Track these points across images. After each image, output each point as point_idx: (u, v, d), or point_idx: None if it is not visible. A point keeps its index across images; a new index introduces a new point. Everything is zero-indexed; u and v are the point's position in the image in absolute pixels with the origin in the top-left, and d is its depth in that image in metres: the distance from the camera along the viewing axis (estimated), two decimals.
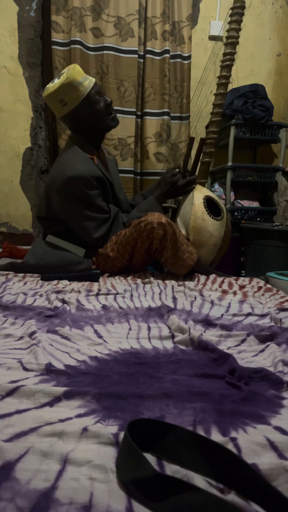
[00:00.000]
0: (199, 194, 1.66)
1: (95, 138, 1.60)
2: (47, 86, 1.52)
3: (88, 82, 1.49)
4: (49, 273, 1.45)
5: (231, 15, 1.82)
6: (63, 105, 1.49)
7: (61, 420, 0.47)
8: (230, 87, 2.57)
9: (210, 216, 1.61)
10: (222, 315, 1.01)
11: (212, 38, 2.64)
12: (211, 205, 1.66)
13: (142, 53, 2.40)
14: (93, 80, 1.52)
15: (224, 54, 1.83)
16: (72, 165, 1.46)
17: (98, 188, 1.52)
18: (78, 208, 1.49)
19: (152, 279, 1.43)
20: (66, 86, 1.46)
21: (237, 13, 1.78)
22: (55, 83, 1.48)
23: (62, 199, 1.48)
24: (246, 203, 2.51)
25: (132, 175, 2.44)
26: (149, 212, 1.50)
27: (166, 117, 2.43)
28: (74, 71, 1.46)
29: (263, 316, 1.00)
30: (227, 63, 1.82)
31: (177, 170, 1.67)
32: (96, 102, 1.51)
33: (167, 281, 1.43)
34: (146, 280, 1.41)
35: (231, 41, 1.80)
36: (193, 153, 1.86)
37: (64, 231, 1.56)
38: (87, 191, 1.47)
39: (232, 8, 1.82)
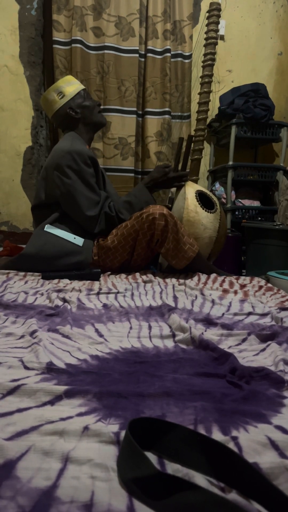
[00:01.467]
0: (191, 188, 1.69)
1: (86, 134, 1.72)
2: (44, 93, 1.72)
3: (80, 85, 1.73)
4: (49, 264, 1.46)
5: (208, 18, 1.94)
6: (60, 97, 1.67)
7: (62, 419, 0.47)
8: (231, 86, 2.58)
9: (203, 209, 1.62)
10: (223, 314, 1.01)
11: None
12: (203, 198, 1.68)
13: (143, 52, 2.40)
14: (83, 86, 1.75)
15: (205, 55, 1.92)
16: (69, 143, 1.58)
17: (92, 168, 1.60)
18: (72, 181, 1.53)
19: (153, 278, 1.43)
20: (64, 81, 1.70)
21: (214, 15, 1.91)
22: (53, 84, 1.70)
23: (59, 172, 1.54)
24: (247, 202, 2.51)
25: (132, 174, 2.44)
26: (138, 197, 1.59)
27: (167, 116, 2.43)
28: (68, 76, 1.74)
29: (264, 315, 1.00)
30: (208, 62, 1.92)
31: (167, 164, 1.76)
32: (88, 98, 1.72)
33: (168, 280, 1.43)
34: (147, 279, 1.41)
35: (211, 41, 1.91)
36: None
37: (61, 220, 1.58)
38: (83, 165, 1.55)
39: (208, 11, 1.93)
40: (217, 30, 1.91)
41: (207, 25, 1.92)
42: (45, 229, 1.55)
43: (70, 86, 1.68)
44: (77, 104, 1.68)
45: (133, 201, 1.61)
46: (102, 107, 2.37)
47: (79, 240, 1.55)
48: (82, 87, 1.72)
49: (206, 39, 1.90)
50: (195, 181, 1.98)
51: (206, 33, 1.92)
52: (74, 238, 1.55)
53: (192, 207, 1.61)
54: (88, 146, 1.72)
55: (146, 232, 1.45)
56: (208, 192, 1.73)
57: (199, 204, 1.63)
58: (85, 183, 1.56)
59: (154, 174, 1.68)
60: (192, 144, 1.90)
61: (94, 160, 1.62)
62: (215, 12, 1.90)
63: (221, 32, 2.61)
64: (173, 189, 1.80)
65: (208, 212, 1.63)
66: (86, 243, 1.55)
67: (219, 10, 1.91)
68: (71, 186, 1.54)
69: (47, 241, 1.52)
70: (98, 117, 1.73)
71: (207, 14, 1.93)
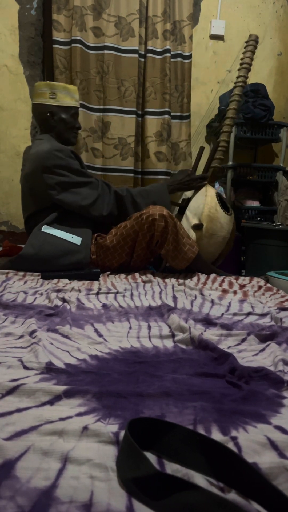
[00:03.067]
0: (211, 189, 1.76)
1: (60, 138, 1.71)
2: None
3: (76, 102, 1.70)
4: (48, 264, 1.46)
5: (245, 47, 2.04)
6: (51, 97, 1.64)
7: (62, 419, 0.47)
8: (230, 86, 2.58)
9: (222, 209, 1.69)
10: (223, 314, 1.01)
11: (213, 37, 2.63)
12: (221, 201, 1.74)
13: (143, 52, 2.40)
14: (79, 107, 1.75)
15: (238, 77, 2.01)
16: (47, 144, 1.58)
17: (76, 160, 1.63)
18: (65, 178, 1.55)
19: (152, 278, 1.43)
20: (64, 88, 1.67)
21: (251, 45, 2.01)
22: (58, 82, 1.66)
23: (50, 174, 1.54)
24: (246, 203, 2.51)
25: (132, 174, 2.43)
26: (156, 193, 1.62)
27: (166, 116, 2.43)
28: (74, 88, 1.70)
29: (263, 315, 1.00)
30: (240, 84, 1.99)
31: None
32: (73, 116, 1.70)
33: (167, 280, 1.43)
34: (147, 279, 1.41)
35: (245, 66, 1.99)
36: (203, 161, 2.00)
37: (58, 220, 1.58)
38: (66, 158, 1.56)
39: (247, 41, 2.04)
40: (252, 59, 2.02)
41: (243, 53, 2.03)
42: (42, 230, 1.55)
43: (68, 96, 1.66)
44: (59, 116, 1.66)
45: (150, 192, 1.64)
46: (102, 107, 2.38)
47: (77, 239, 1.54)
48: (76, 105, 1.69)
49: (241, 63, 2.02)
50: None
51: (242, 59, 2.03)
52: (72, 237, 1.54)
53: (213, 204, 1.67)
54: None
55: (146, 233, 1.45)
56: (224, 197, 1.81)
57: (219, 203, 1.70)
58: (77, 173, 1.58)
59: (177, 176, 1.77)
60: (216, 152, 1.99)
61: (76, 155, 1.65)
62: (253, 42, 2.02)
63: (220, 32, 2.61)
64: (188, 192, 1.85)
65: (226, 213, 1.69)
66: (84, 242, 1.55)
67: (257, 42, 2.03)
68: (66, 183, 1.55)
69: (45, 241, 1.51)
70: (71, 136, 1.72)
71: (245, 44, 2.05)
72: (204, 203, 1.66)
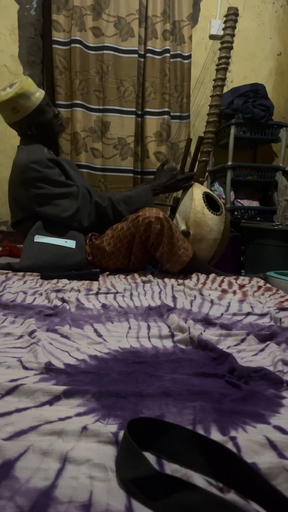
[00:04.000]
0: (198, 190, 1.69)
1: (45, 140, 1.68)
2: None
3: (39, 93, 1.59)
4: (48, 272, 1.45)
5: (225, 22, 1.91)
6: (15, 112, 1.56)
7: (61, 419, 0.47)
8: (230, 86, 2.58)
9: (209, 210, 1.63)
10: (222, 314, 1.01)
11: (213, 37, 2.63)
12: (210, 201, 1.69)
13: (142, 52, 2.40)
14: (43, 92, 1.62)
15: (220, 58, 1.89)
16: (25, 156, 1.55)
17: (56, 168, 1.57)
18: (41, 189, 1.52)
19: (152, 278, 1.43)
20: (20, 96, 1.54)
21: (231, 19, 1.88)
22: (8, 92, 1.53)
23: (26, 187, 1.53)
24: (246, 203, 2.51)
25: (132, 175, 2.43)
26: (140, 197, 1.58)
27: (166, 116, 2.43)
28: (27, 83, 1.56)
29: (262, 315, 1.00)
30: (222, 66, 1.89)
31: (174, 167, 1.75)
32: (46, 112, 1.61)
33: (167, 280, 1.43)
34: (146, 279, 1.41)
35: (226, 45, 1.88)
36: (191, 153, 1.89)
37: (47, 227, 1.56)
38: (45, 170, 1.52)
39: (226, 15, 1.91)
40: (233, 35, 1.89)
41: (223, 29, 1.89)
42: (35, 240, 1.54)
43: (27, 100, 1.55)
44: (34, 121, 1.60)
45: (134, 198, 1.60)
46: (101, 107, 2.38)
47: (71, 243, 1.53)
48: (41, 97, 1.59)
49: (221, 42, 1.89)
50: (201, 183, 1.99)
51: (222, 36, 1.89)
52: (65, 242, 1.53)
53: (199, 208, 1.62)
54: (49, 147, 1.70)
55: (142, 235, 1.45)
56: (214, 195, 1.74)
57: (206, 205, 1.64)
58: (55, 184, 1.54)
59: (162, 178, 1.68)
60: (202, 145, 1.91)
61: (55, 161, 1.59)
62: (232, 16, 1.87)
63: (220, 32, 2.61)
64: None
65: (214, 214, 1.64)
66: (78, 244, 1.54)
67: (237, 15, 1.89)
68: (43, 195, 1.52)
69: (39, 250, 1.51)
70: (56, 129, 1.67)
71: (225, 18, 1.91)
72: (191, 207, 1.62)
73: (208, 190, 1.74)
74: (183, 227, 1.63)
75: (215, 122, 1.97)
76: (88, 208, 1.58)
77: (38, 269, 1.48)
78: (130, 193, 1.64)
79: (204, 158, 1.94)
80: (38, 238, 1.54)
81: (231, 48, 1.89)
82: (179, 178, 1.68)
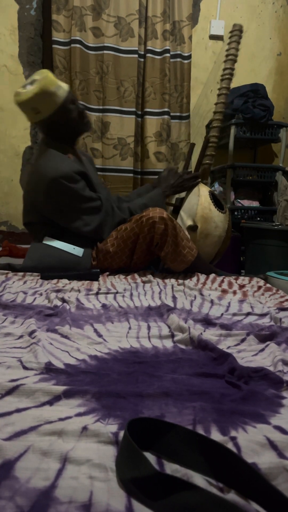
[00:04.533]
0: (204, 188, 1.73)
1: (69, 140, 1.59)
2: (19, 91, 1.44)
3: (62, 91, 1.46)
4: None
5: (230, 37, 1.98)
6: (36, 112, 1.45)
7: (61, 419, 0.47)
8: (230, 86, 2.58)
9: (216, 207, 1.67)
10: (222, 314, 1.01)
11: (213, 37, 2.64)
12: (215, 199, 1.72)
13: (142, 53, 2.40)
14: (66, 88, 1.49)
15: (224, 69, 1.96)
16: (52, 166, 1.45)
17: (82, 181, 1.52)
18: (66, 205, 1.48)
19: (152, 278, 1.43)
20: (39, 95, 1.41)
21: (236, 35, 1.96)
22: (28, 90, 1.41)
23: (49, 200, 1.47)
24: (246, 203, 2.51)
25: (132, 175, 2.44)
26: (155, 202, 1.57)
27: (166, 116, 2.43)
28: (47, 81, 1.42)
29: (262, 315, 1.00)
30: (227, 76, 1.95)
31: (177, 168, 1.77)
32: (70, 111, 1.49)
33: (167, 280, 1.43)
34: (146, 279, 1.41)
35: (231, 58, 1.95)
36: (194, 157, 1.95)
37: (60, 232, 1.54)
38: (72, 186, 1.46)
39: (231, 31, 1.98)
40: (237, 49, 1.97)
41: (228, 44, 1.97)
42: (43, 242, 1.51)
43: (48, 99, 1.43)
44: (57, 121, 1.48)
45: (149, 204, 1.58)
46: (101, 107, 2.38)
47: (79, 251, 1.51)
48: (64, 95, 1.45)
49: (227, 55, 1.97)
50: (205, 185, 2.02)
51: (227, 50, 1.97)
52: (74, 248, 1.51)
53: (206, 204, 1.65)
54: (73, 146, 1.61)
55: (146, 235, 1.45)
56: (218, 195, 1.78)
57: (212, 202, 1.67)
58: (80, 200, 1.49)
59: (170, 180, 1.69)
60: (206, 148, 1.95)
61: (81, 172, 1.52)
62: (237, 32, 1.97)
63: (220, 33, 2.61)
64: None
65: (220, 211, 1.67)
66: (86, 253, 1.52)
67: (241, 31, 1.97)
68: (65, 210, 1.49)
69: (44, 254, 1.49)
70: (81, 128, 1.58)
71: (230, 34, 1.99)
72: (198, 204, 1.64)
73: (212, 190, 1.78)
74: (189, 222, 1.65)
75: (219, 128, 2.00)
76: (109, 221, 1.56)
77: (38, 271, 1.48)
78: (145, 200, 1.62)
79: (207, 161, 1.97)
80: (47, 240, 1.51)
81: (235, 61, 1.96)
82: (186, 178, 1.70)
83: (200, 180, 1.76)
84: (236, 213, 2.47)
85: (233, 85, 2.58)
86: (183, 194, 1.82)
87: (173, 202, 1.85)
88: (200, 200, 1.65)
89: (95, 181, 1.65)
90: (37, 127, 1.57)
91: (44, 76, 1.43)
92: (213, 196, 1.71)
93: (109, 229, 1.56)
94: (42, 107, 1.43)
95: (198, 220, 1.62)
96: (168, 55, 2.40)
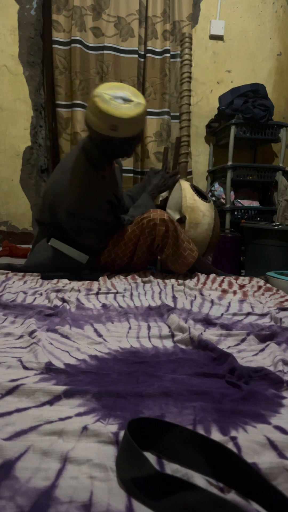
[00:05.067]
0: (185, 182, 1.78)
1: (109, 159, 1.49)
2: (108, 99, 1.28)
3: (144, 120, 1.41)
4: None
5: (181, 45, 2.09)
6: (112, 129, 1.31)
7: (61, 419, 0.47)
8: (230, 86, 2.58)
9: (199, 197, 1.70)
10: (222, 314, 1.01)
11: (213, 37, 2.63)
12: (197, 191, 1.76)
13: (142, 53, 2.40)
14: (144, 117, 1.41)
15: (182, 73, 2.07)
16: (84, 186, 1.41)
17: (109, 208, 1.48)
18: (82, 225, 1.45)
19: (152, 278, 1.43)
20: (131, 120, 1.30)
21: (186, 41, 2.06)
22: (123, 106, 1.29)
23: (71, 217, 1.44)
24: (246, 203, 2.51)
25: (132, 174, 2.44)
26: (147, 207, 1.58)
27: (166, 116, 2.43)
28: (144, 108, 1.33)
29: (263, 315, 1.00)
30: (186, 80, 2.06)
31: (157, 169, 1.81)
32: (138, 138, 1.46)
33: (167, 280, 1.43)
34: (146, 279, 1.41)
35: (186, 63, 2.06)
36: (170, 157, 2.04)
37: (68, 237, 1.51)
38: (95, 209, 1.44)
39: (181, 40, 2.09)
40: (191, 54, 2.07)
41: (180, 51, 2.09)
42: (49, 243, 1.50)
43: (132, 126, 1.33)
44: (120, 147, 1.40)
45: (143, 210, 1.57)
46: None
47: (83, 258, 1.50)
48: (144, 125, 1.41)
49: (181, 61, 2.06)
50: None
51: (181, 56, 2.07)
52: (79, 255, 1.50)
53: (190, 195, 1.69)
54: (110, 164, 1.49)
55: (147, 237, 1.45)
56: (198, 187, 1.82)
57: (195, 193, 1.71)
58: (101, 224, 1.47)
59: (154, 181, 1.72)
60: (180, 147, 2.03)
61: (110, 201, 1.46)
62: (187, 39, 2.07)
63: (220, 33, 2.61)
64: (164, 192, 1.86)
65: (204, 201, 1.71)
66: (90, 260, 1.52)
67: (191, 38, 2.08)
68: (83, 230, 1.46)
69: (49, 255, 1.49)
70: (127, 154, 1.52)
71: (181, 43, 2.10)
72: (181, 196, 1.68)
73: (193, 184, 1.82)
74: (177, 216, 1.68)
75: (188, 127, 2.10)
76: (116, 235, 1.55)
77: (39, 272, 1.48)
78: (140, 209, 1.58)
79: (183, 160, 2.03)
80: (53, 242, 1.50)
81: (191, 65, 2.07)
82: (166, 177, 1.74)
83: (179, 176, 1.81)
84: (236, 213, 2.47)
85: (233, 85, 2.59)
86: (165, 194, 1.87)
87: (158, 203, 1.88)
88: (183, 193, 1.69)
89: (120, 194, 1.60)
90: (91, 134, 1.42)
91: (143, 102, 1.34)
92: (195, 189, 1.75)
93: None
94: (123, 128, 1.31)
95: (185, 211, 1.65)
96: (168, 55, 2.40)
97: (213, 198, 2.51)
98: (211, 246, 1.75)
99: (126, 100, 1.30)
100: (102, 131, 1.33)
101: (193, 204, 1.66)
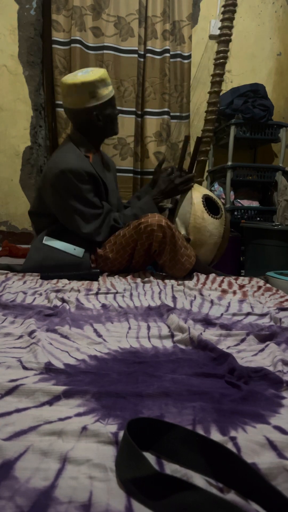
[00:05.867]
0: (198, 193, 1.65)
1: (97, 139, 1.61)
2: (75, 75, 1.49)
3: (112, 88, 1.56)
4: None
5: (223, 13, 1.87)
6: (91, 97, 1.49)
7: (61, 419, 0.47)
8: (230, 86, 2.58)
9: (209, 215, 1.61)
10: (222, 314, 1.01)
11: (213, 37, 2.63)
12: (209, 203, 1.66)
13: (142, 52, 2.40)
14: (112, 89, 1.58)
15: (218, 52, 1.87)
16: (65, 159, 1.48)
17: (91, 184, 1.51)
18: (68, 201, 1.47)
19: (151, 278, 1.43)
20: (101, 81, 1.49)
21: (229, 10, 1.85)
22: (88, 74, 1.47)
23: (54, 192, 1.48)
24: (246, 203, 2.51)
25: (131, 175, 2.44)
26: (145, 211, 1.53)
27: (166, 116, 2.43)
28: (106, 73, 1.52)
29: (262, 315, 1.00)
30: (221, 61, 1.86)
31: (171, 168, 1.70)
32: (114, 106, 1.58)
33: (166, 281, 1.43)
34: (146, 279, 1.41)
35: (224, 38, 1.85)
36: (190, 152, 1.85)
37: (60, 231, 1.54)
38: (78, 184, 1.46)
39: (224, 6, 1.87)
40: (231, 27, 1.85)
41: (221, 20, 1.84)
42: (43, 242, 1.52)
43: (104, 88, 1.51)
44: (104, 113, 1.54)
45: (139, 215, 1.55)
46: None
47: (79, 251, 1.51)
48: (111, 94, 1.55)
49: (219, 35, 1.84)
50: (200, 183, 1.96)
51: (220, 28, 1.84)
52: (74, 249, 1.51)
53: (199, 213, 1.58)
54: (97, 150, 1.62)
55: (144, 242, 1.44)
56: (214, 196, 1.71)
57: (205, 210, 1.60)
58: (82, 202, 1.49)
59: (161, 185, 1.63)
60: (200, 145, 1.87)
61: (92, 175, 1.51)
62: (230, 7, 1.82)
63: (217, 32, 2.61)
64: None
65: (214, 218, 1.61)
66: (86, 254, 1.52)
67: (235, 5, 1.84)
68: (67, 206, 1.48)
69: (46, 256, 1.50)
70: (114, 128, 1.62)
71: (223, 9, 1.85)
72: (190, 213, 1.58)
73: (207, 192, 1.70)
74: (183, 231, 1.61)
75: (213, 120, 1.95)
76: (105, 228, 1.55)
77: (38, 272, 1.48)
78: (135, 210, 1.59)
79: (202, 158, 1.92)
80: (47, 240, 1.51)
81: (230, 41, 1.86)
82: (177, 183, 1.63)
83: (192, 184, 1.68)
84: (236, 213, 2.47)
85: (233, 85, 2.59)
86: (178, 196, 1.77)
87: (169, 205, 1.79)
88: (193, 209, 1.58)
89: (110, 188, 1.63)
90: (77, 115, 1.54)
91: (102, 69, 1.53)
92: (207, 201, 1.64)
93: (103, 235, 1.55)
94: (99, 92, 1.49)
95: (190, 231, 1.57)
96: (168, 55, 2.40)
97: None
98: (214, 262, 1.72)
99: (86, 71, 1.51)
100: (84, 104, 1.49)
101: (200, 224, 1.57)
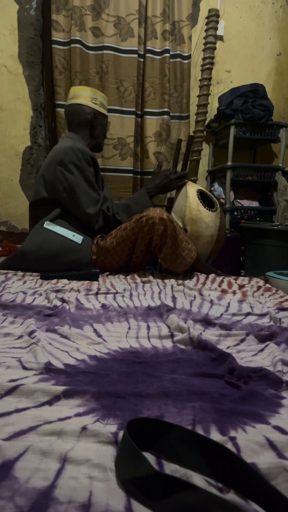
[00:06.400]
0: (192, 188, 1.70)
1: (92, 145, 1.79)
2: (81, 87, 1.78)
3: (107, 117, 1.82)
4: (47, 261, 1.47)
5: (206, 23, 1.98)
6: (96, 103, 1.74)
7: (60, 419, 0.47)
8: (230, 86, 2.58)
9: (205, 207, 1.63)
10: (222, 314, 1.01)
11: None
12: (204, 198, 1.69)
13: (142, 53, 2.40)
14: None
15: (204, 58, 1.93)
16: (72, 142, 1.61)
17: (92, 168, 1.62)
18: (75, 178, 1.55)
19: (151, 278, 1.43)
20: (105, 101, 1.80)
21: (212, 20, 1.97)
22: (99, 91, 1.80)
23: (63, 168, 1.55)
24: (245, 203, 2.51)
25: (131, 175, 2.44)
26: (138, 203, 1.60)
27: (166, 116, 2.43)
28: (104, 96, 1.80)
29: (262, 315, 1.00)
30: (207, 66, 1.94)
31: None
32: (106, 128, 1.83)
33: (166, 281, 1.43)
34: (146, 279, 1.41)
35: (209, 46, 1.91)
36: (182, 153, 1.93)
37: (61, 217, 1.58)
38: (85, 163, 1.57)
39: (207, 17, 1.98)
40: (215, 36, 1.95)
41: (206, 30, 1.93)
42: (44, 226, 1.55)
43: (104, 106, 1.79)
44: (99, 121, 1.75)
45: (131, 205, 1.62)
46: None
47: (78, 238, 1.54)
48: (106, 113, 1.81)
49: (205, 43, 1.93)
50: (194, 182, 1.98)
51: (205, 38, 1.94)
52: (73, 235, 1.54)
53: (194, 205, 1.62)
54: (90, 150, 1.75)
55: (145, 235, 1.45)
56: (208, 192, 1.74)
57: (201, 202, 1.64)
58: (87, 181, 1.57)
59: (156, 180, 1.69)
60: (192, 144, 1.91)
61: (95, 161, 1.65)
62: (213, 18, 1.95)
63: (220, 33, 2.61)
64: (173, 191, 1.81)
65: (209, 210, 1.64)
66: (85, 241, 1.55)
67: (218, 16, 1.96)
68: (73, 182, 1.54)
69: (45, 238, 1.52)
70: (101, 141, 1.83)
71: (206, 20, 1.95)
72: (186, 205, 1.62)
73: (201, 188, 1.74)
74: (180, 225, 1.62)
75: (204, 121, 2.00)
76: (101, 217, 1.61)
77: (38, 258, 1.49)
78: (128, 201, 1.66)
79: (195, 157, 1.95)
80: (48, 225, 1.56)
81: (214, 48, 1.95)
82: (172, 178, 1.68)
83: (187, 180, 1.73)
84: (235, 213, 2.47)
85: (233, 85, 2.59)
86: (174, 194, 1.81)
87: (165, 203, 1.83)
88: (188, 202, 1.62)
89: (103, 182, 1.78)
90: (75, 113, 1.74)
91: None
92: (202, 195, 1.68)
93: (98, 224, 1.60)
94: (102, 104, 1.77)
95: (187, 222, 1.60)
96: (167, 55, 2.40)
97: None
98: (212, 256, 1.73)
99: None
100: (90, 103, 1.73)
101: (196, 216, 1.60)
